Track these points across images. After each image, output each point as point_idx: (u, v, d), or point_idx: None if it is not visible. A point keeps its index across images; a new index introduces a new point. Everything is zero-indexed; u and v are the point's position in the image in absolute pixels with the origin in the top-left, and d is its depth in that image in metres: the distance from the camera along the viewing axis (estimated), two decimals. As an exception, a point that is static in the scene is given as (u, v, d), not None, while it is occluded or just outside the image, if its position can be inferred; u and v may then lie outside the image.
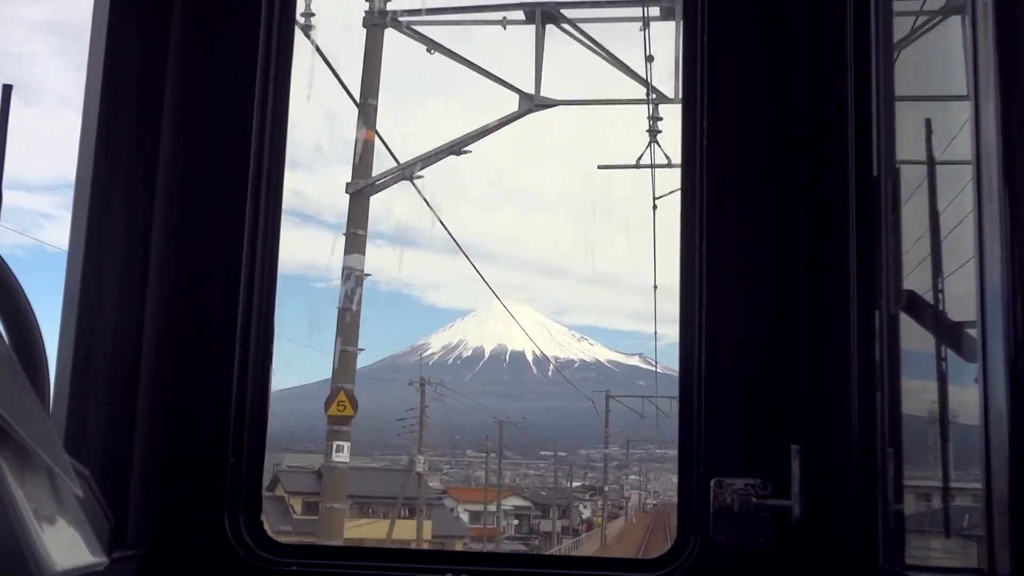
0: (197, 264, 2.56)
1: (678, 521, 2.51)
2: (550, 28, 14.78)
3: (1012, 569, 1.39)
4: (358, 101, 17.08)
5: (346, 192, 17.51)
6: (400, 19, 16.07)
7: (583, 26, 15.05)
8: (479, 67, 16.56)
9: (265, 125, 2.62)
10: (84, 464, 1.54)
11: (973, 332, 1.56)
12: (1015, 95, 1.46)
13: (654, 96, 16.67)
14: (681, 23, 2.68)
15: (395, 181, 17.57)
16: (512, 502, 62.01)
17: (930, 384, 2.25)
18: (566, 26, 14.99)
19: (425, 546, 34.88)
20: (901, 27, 2.38)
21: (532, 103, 15.55)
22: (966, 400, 1.84)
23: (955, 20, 1.75)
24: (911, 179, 2.38)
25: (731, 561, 2.39)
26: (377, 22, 16.35)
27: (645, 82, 16.10)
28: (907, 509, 2.33)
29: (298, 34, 2.77)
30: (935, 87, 2.29)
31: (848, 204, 2.38)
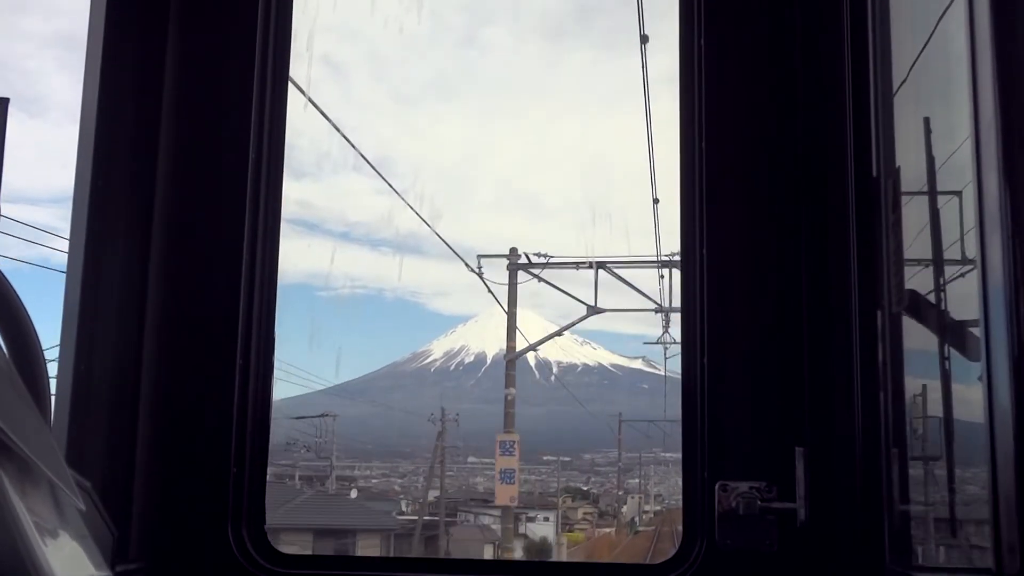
0: (197, 275, 2.56)
1: (683, 526, 2.50)
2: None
3: (1020, 568, 1.38)
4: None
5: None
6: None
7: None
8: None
9: (263, 134, 2.62)
10: (86, 477, 1.53)
11: (976, 331, 1.55)
12: (1014, 92, 1.46)
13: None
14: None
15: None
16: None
17: (934, 384, 2.24)
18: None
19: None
20: (899, 26, 2.38)
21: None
22: (970, 399, 1.83)
23: (954, 18, 1.74)
24: (911, 179, 2.38)
25: (737, 565, 2.39)
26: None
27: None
28: (913, 510, 2.33)
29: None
30: (934, 86, 2.28)
31: (848, 205, 2.37)
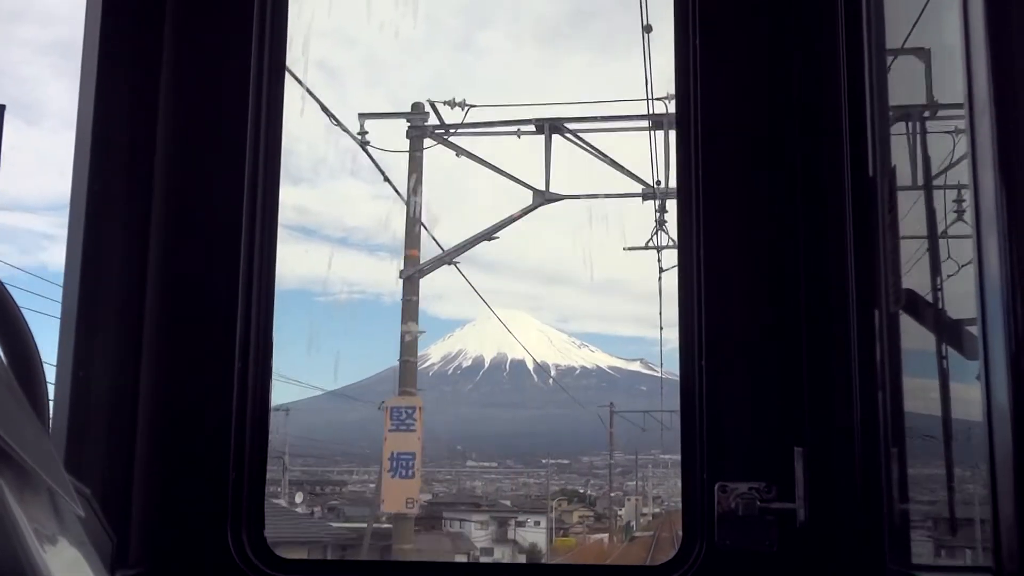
0: (195, 279, 2.56)
1: (683, 526, 2.50)
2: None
3: (1019, 566, 1.38)
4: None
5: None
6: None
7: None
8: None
9: (259, 139, 2.62)
10: (85, 483, 1.53)
11: (973, 329, 1.55)
12: (1010, 90, 1.46)
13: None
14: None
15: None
16: None
17: (932, 383, 2.24)
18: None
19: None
20: (894, 27, 2.38)
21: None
22: (968, 397, 1.83)
23: (948, 18, 1.75)
24: (908, 178, 2.38)
25: (737, 566, 2.39)
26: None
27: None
28: (912, 509, 2.33)
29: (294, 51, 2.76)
30: (930, 85, 2.29)
31: (845, 205, 2.38)
